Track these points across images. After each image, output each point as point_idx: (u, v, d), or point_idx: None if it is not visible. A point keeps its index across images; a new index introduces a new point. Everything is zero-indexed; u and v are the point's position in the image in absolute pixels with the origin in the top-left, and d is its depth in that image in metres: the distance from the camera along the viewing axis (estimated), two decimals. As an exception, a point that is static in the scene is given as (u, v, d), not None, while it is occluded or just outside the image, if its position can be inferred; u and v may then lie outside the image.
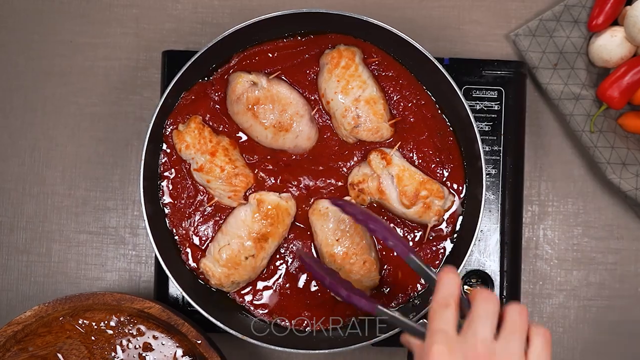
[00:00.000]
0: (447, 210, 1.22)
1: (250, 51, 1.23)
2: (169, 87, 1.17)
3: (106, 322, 1.18)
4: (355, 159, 1.23)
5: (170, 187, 1.22)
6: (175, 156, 1.22)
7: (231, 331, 1.16)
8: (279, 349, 1.16)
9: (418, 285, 1.22)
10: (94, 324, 1.18)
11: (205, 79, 1.23)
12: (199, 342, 1.16)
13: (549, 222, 1.33)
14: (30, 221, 1.33)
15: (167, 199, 1.22)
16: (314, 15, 1.18)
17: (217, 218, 1.22)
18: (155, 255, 1.16)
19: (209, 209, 1.22)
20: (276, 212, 1.19)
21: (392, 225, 1.22)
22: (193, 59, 1.17)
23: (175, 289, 1.22)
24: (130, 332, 1.18)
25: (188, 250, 1.22)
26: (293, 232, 1.23)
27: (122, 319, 1.18)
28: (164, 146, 1.22)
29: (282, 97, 1.20)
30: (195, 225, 1.22)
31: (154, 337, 1.18)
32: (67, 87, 1.34)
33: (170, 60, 1.26)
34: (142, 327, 1.19)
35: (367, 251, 1.19)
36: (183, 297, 1.21)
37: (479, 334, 0.85)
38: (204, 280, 1.22)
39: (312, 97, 1.23)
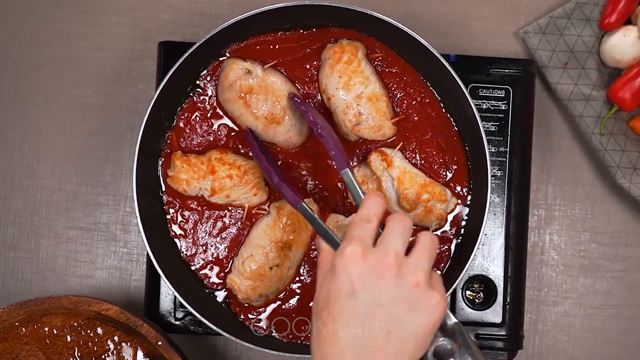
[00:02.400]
0: (449, 213, 1.20)
1: (249, 42, 1.21)
2: (165, 80, 1.15)
3: (64, 326, 1.16)
4: (356, 159, 1.21)
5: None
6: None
7: (227, 335, 1.13)
8: (280, 353, 1.15)
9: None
10: (51, 329, 1.16)
11: (191, 94, 1.21)
12: (159, 343, 1.14)
13: (556, 227, 1.32)
14: (18, 215, 1.32)
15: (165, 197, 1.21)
16: (316, 7, 1.16)
17: (211, 213, 1.21)
18: (148, 253, 1.14)
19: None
20: (297, 218, 1.17)
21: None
22: (190, 50, 1.15)
23: (167, 288, 1.19)
24: (89, 335, 1.17)
25: (184, 249, 1.21)
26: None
27: (80, 323, 1.17)
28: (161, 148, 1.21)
29: (277, 89, 1.18)
30: (191, 224, 1.21)
31: (114, 340, 1.17)
32: (59, 78, 1.32)
33: (166, 51, 1.25)
34: (101, 330, 1.17)
35: None
36: (175, 297, 1.19)
37: (391, 246, 0.91)
38: (208, 287, 1.21)
39: (312, 93, 1.21)
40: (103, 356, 1.16)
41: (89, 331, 1.16)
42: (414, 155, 1.20)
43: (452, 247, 1.20)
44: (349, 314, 0.89)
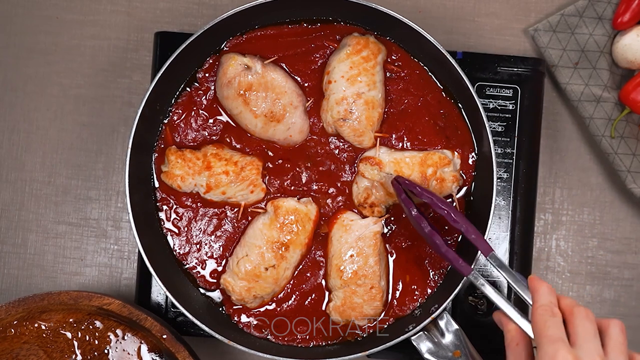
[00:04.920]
0: (460, 171, 1.18)
1: (249, 35, 1.19)
2: (161, 72, 1.13)
3: (64, 323, 1.14)
4: (350, 171, 1.20)
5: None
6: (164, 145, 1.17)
7: (220, 337, 1.12)
8: (275, 357, 1.13)
9: (428, 289, 1.18)
10: (50, 325, 1.14)
11: (189, 89, 1.19)
12: (164, 336, 1.12)
13: (563, 232, 1.30)
14: (5, 209, 1.29)
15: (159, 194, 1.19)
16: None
17: (206, 210, 1.19)
18: (139, 251, 1.12)
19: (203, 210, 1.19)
20: (295, 218, 1.15)
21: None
22: (188, 42, 1.13)
23: (158, 287, 1.19)
24: (90, 330, 1.14)
25: (177, 247, 1.19)
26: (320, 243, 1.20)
27: (80, 318, 1.14)
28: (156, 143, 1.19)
29: (277, 85, 1.16)
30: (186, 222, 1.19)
31: (116, 335, 1.15)
32: (51, 67, 1.30)
33: (163, 42, 1.23)
34: (103, 325, 1.15)
35: (377, 278, 1.16)
36: (167, 297, 1.18)
37: (592, 350, 0.92)
38: (203, 286, 1.19)
39: (312, 85, 1.19)
40: (105, 350, 1.14)
41: (89, 326, 1.14)
42: (401, 143, 1.18)
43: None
44: None
